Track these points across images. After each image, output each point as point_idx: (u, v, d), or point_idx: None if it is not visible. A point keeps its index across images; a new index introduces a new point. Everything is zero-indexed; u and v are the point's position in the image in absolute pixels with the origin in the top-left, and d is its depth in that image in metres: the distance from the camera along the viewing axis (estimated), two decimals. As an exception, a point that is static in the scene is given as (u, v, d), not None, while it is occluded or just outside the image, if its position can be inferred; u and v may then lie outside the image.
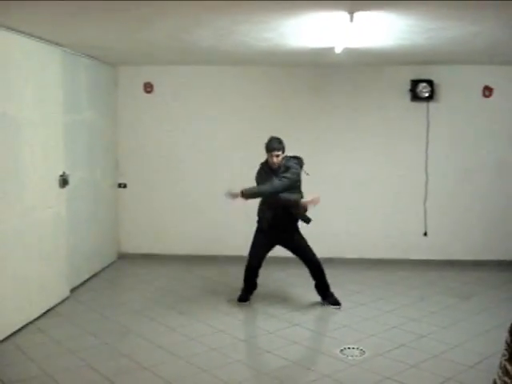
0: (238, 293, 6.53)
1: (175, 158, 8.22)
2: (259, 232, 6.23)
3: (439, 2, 4.14)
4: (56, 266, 6.15)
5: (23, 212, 5.46)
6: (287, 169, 5.92)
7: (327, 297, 6.25)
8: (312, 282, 6.27)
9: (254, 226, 8.10)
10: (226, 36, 5.58)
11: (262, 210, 6.15)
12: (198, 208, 8.25)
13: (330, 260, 7.86)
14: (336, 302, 6.19)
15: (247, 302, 6.27)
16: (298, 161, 6.10)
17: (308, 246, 6.16)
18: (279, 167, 5.95)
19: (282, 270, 7.62)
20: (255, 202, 6.28)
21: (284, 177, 5.87)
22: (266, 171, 6.05)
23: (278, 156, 5.91)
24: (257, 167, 7.87)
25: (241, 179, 8.10)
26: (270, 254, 8.05)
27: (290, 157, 6.07)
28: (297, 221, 6.10)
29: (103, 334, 5.41)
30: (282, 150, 5.96)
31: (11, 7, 4.34)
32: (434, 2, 4.14)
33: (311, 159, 8.00)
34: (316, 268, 6.18)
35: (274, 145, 5.92)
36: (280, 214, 5.97)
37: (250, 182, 8.06)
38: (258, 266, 6.22)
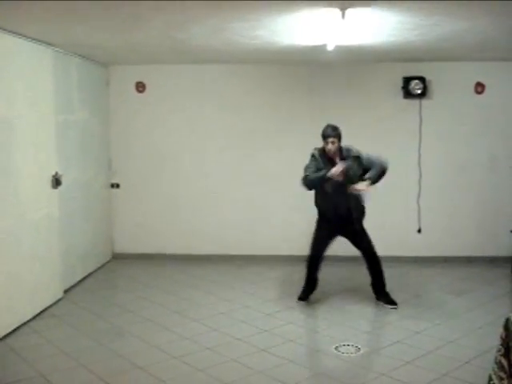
0: (232, 292, 6.54)
1: (168, 157, 8.20)
2: (321, 223, 6.20)
3: (431, -2, 4.15)
4: (50, 266, 6.13)
5: (16, 213, 5.43)
6: (349, 152, 5.95)
7: (382, 296, 6.18)
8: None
9: (248, 225, 8.16)
10: (218, 34, 5.57)
11: (325, 200, 6.06)
12: (191, 207, 8.24)
13: (328, 258, 7.87)
14: (391, 302, 6.11)
15: (305, 302, 6.24)
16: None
17: (370, 240, 6.14)
18: (337, 154, 5.95)
19: (278, 269, 7.62)
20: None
21: (369, 158, 5.97)
22: (323, 160, 5.97)
23: (333, 142, 5.90)
24: (248, 165, 7.91)
25: (233, 177, 8.15)
26: (267, 252, 8.11)
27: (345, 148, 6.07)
28: (362, 213, 6.10)
29: (98, 334, 5.39)
30: (338, 136, 5.94)
31: (0, 7, 4.31)
32: (426, -2, 4.15)
33: (304, 157, 8.02)
34: (375, 264, 6.15)
35: (328, 131, 5.93)
36: (344, 204, 5.94)
37: (244, 181, 8.09)
38: (320, 255, 6.19)
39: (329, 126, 5.98)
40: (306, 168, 6.01)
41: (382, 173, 6.01)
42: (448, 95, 7.92)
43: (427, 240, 8.05)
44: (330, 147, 5.91)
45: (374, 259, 6.17)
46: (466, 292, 6.63)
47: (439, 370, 4.50)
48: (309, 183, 5.94)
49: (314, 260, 6.26)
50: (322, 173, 5.83)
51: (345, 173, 5.78)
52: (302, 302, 6.23)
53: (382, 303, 6.15)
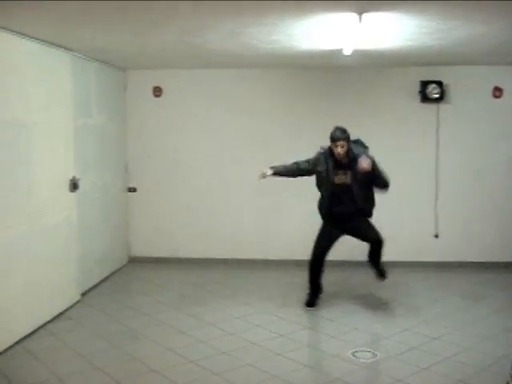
0: (247, 296, 6.54)
1: (184, 161, 8.22)
2: (324, 225, 6.20)
3: (448, 3, 4.12)
4: (66, 270, 6.16)
5: (34, 216, 5.48)
6: (357, 154, 5.87)
7: (376, 268, 6.25)
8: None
9: (263, 229, 8.15)
10: (234, 39, 5.58)
11: (325, 206, 6.09)
12: (206, 211, 8.25)
13: (342, 263, 7.85)
14: (382, 275, 6.24)
15: (314, 308, 6.21)
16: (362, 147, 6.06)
17: (370, 226, 6.09)
18: (347, 158, 5.87)
19: (294, 273, 7.61)
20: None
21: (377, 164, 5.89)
22: (329, 161, 5.94)
23: (342, 146, 5.80)
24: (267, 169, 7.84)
25: (252, 182, 8.14)
26: (282, 256, 8.09)
27: (353, 142, 6.01)
28: (366, 214, 6.09)
29: (113, 337, 5.41)
30: (347, 139, 5.85)
31: (19, 11, 4.36)
32: (444, 3, 4.12)
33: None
34: (376, 245, 6.12)
35: (337, 134, 5.82)
36: (347, 209, 5.95)
37: (259, 185, 8.08)
38: (322, 257, 6.14)
39: (338, 129, 5.89)
40: (296, 162, 6.13)
41: (385, 183, 5.97)
42: (466, 99, 7.87)
43: (444, 245, 7.99)
44: (340, 151, 5.83)
45: (376, 242, 6.11)
46: (483, 298, 6.57)
47: (456, 377, 4.46)
48: (289, 168, 6.13)
49: (316, 264, 6.18)
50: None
51: (372, 163, 5.76)
52: (311, 309, 6.18)
53: (374, 274, 6.28)
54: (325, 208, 6.11)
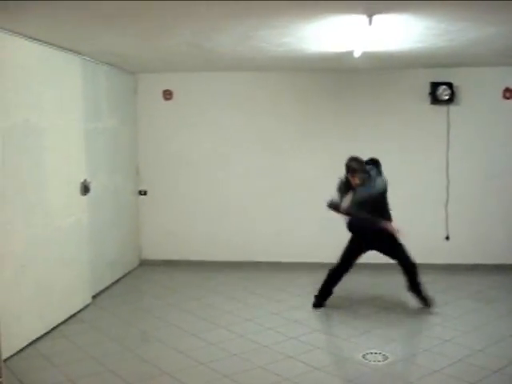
0: (258, 298, 6.54)
1: (195, 164, 8.24)
2: (352, 239, 6.23)
3: (458, 4, 4.11)
4: (78, 272, 6.19)
5: (45, 219, 5.51)
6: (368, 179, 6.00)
7: (418, 296, 6.19)
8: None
9: (274, 232, 8.16)
10: (245, 42, 5.59)
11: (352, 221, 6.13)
12: (219, 214, 8.26)
13: (355, 265, 7.85)
14: (426, 303, 6.15)
15: (322, 308, 6.26)
16: (376, 169, 6.11)
17: (401, 247, 6.16)
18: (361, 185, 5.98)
19: (305, 276, 7.61)
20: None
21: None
22: (347, 186, 6.05)
23: (354, 177, 5.96)
24: (274, 172, 7.97)
25: (263, 185, 8.16)
26: (293, 259, 8.09)
27: (369, 163, 6.09)
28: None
29: (125, 339, 5.43)
30: (361, 171, 5.96)
31: (31, 16, 4.40)
32: (453, 4, 4.11)
33: (331, 164, 8.01)
34: (408, 270, 6.14)
35: (351, 165, 5.97)
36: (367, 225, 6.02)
37: (273, 188, 8.09)
38: (347, 268, 6.21)
39: (351, 159, 6.01)
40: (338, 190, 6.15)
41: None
42: (476, 101, 7.84)
43: (455, 247, 7.95)
44: (354, 181, 5.97)
45: (406, 265, 6.14)
46: (494, 300, 6.54)
47: (468, 379, 4.44)
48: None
49: (339, 272, 6.22)
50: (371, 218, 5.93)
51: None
52: (319, 309, 6.21)
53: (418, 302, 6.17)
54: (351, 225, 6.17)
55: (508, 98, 7.79)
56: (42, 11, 4.23)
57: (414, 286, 6.19)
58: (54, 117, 5.69)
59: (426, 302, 6.16)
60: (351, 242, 6.21)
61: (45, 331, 5.47)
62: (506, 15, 4.54)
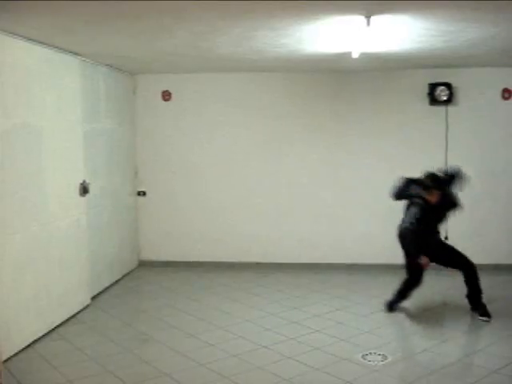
0: (257, 299, 6.56)
1: (194, 165, 8.24)
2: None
3: (457, 4, 4.12)
4: (77, 273, 6.19)
5: (44, 220, 5.51)
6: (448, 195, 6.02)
7: (476, 307, 6.01)
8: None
9: (273, 233, 8.16)
10: (243, 43, 5.60)
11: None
12: (217, 215, 8.26)
13: (354, 266, 7.87)
14: (485, 314, 5.89)
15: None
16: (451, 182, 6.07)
17: (455, 253, 6.11)
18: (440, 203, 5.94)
19: (303, 277, 7.61)
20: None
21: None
22: (426, 208, 5.93)
23: (429, 194, 5.89)
24: (273, 173, 7.95)
25: (259, 185, 8.16)
26: (292, 260, 8.09)
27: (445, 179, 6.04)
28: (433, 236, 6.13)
29: (124, 340, 5.43)
30: (437, 187, 5.92)
31: (29, 17, 4.40)
32: (452, 4, 4.12)
33: (329, 165, 8.03)
34: (468, 274, 6.04)
35: (425, 182, 5.92)
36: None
37: (272, 189, 8.09)
38: (419, 280, 6.14)
39: (427, 175, 5.96)
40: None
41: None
42: (475, 101, 7.85)
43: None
44: (430, 198, 5.90)
45: (465, 269, 6.04)
46: (494, 300, 6.53)
47: (467, 379, 4.45)
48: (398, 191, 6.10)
49: (410, 285, 6.17)
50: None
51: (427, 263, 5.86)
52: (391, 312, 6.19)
53: (476, 314, 5.97)
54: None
55: (506, 99, 7.81)
56: (41, 12, 4.24)
57: (475, 296, 6.04)
58: (53, 118, 5.70)
59: (487, 314, 5.91)
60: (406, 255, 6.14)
61: (44, 332, 5.46)
62: (505, 16, 4.55)
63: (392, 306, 6.20)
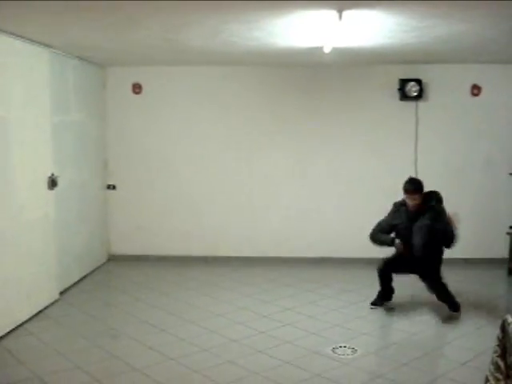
0: (228, 293, 6.56)
1: (164, 158, 8.19)
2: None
3: (428, 1, 4.15)
4: (45, 267, 6.11)
5: (12, 213, 5.42)
6: (432, 211, 5.87)
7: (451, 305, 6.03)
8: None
9: (244, 227, 8.16)
10: (215, 35, 5.57)
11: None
12: (188, 209, 8.23)
13: (325, 259, 7.91)
14: (453, 305, 5.98)
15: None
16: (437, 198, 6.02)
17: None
18: (420, 209, 5.90)
19: (275, 271, 7.63)
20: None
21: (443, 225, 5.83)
22: (404, 212, 5.97)
23: (414, 199, 5.87)
24: (244, 167, 7.94)
25: (230, 179, 8.15)
26: (264, 254, 8.10)
27: (426, 194, 5.98)
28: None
29: (94, 335, 5.37)
30: (420, 192, 5.90)
31: (-2, 7, 4.31)
32: (423, 1, 4.14)
33: (300, 159, 8.04)
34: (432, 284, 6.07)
35: (410, 186, 5.88)
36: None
37: (243, 183, 8.09)
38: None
39: (411, 180, 5.99)
40: (379, 222, 6.03)
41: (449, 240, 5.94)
42: (444, 97, 7.94)
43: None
44: (410, 203, 5.91)
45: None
46: (462, 293, 6.62)
47: (436, 372, 4.51)
48: (372, 241, 6.03)
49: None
50: (386, 240, 5.91)
51: (408, 249, 5.84)
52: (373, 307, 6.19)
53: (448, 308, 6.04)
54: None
55: (476, 95, 7.91)
56: (10, 4, 4.15)
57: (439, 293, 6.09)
58: (20, 110, 5.60)
59: (454, 306, 5.99)
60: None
61: (11, 328, 5.38)
62: (476, 13, 4.60)
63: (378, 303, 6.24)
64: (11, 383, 4.34)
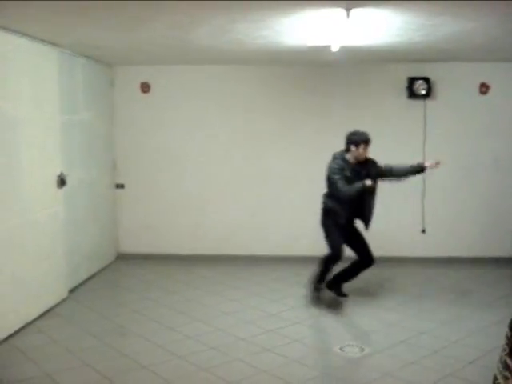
0: (236, 292, 6.57)
1: (173, 157, 8.21)
2: (335, 225, 6.10)
3: (435, 0, 4.15)
4: (54, 266, 6.14)
5: (21, 213, 5.45)
6: (372, 162, 6.08)
7: (336, 288, 6.33)
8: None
9: (252, 225, 8.16)
10: (222, 34, 5.57)
11: (340, 206, 6.02)
12: (196, 207, 8.25)
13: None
14: (343, 294, 6.32)
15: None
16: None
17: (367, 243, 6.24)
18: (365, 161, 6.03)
19: (283, 269, 7.63)
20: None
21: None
22: (352, 167, 5.97)
23: (367, 151, 6.00)
24: (252, 165, 7.93)
25: (238, 178, 8.15)
26: (272, 252, 8.11)
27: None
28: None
29: (102, 333, 5.40)
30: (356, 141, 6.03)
31: (7, 7, 4.33)
32: (430, 0, 4.15)
33: (308, 157, 8.04)
34: (365, 264, 6.19)
35: (368, 136, 5.98)
36: (357, 210, 6.07)
37: (252, 182, 8.09)
38: (341, 257, 6.14)
39: (363, 132, 6.02)
40: (337, 178, 5.88)
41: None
42: (452, 96, 7.92)
43: (431, 240, 8.04)
44: (363, 152, 5.98)
45: (369, 259, 6.20)
46: (470, 292, 6.63)
47: (444, 370, 4.50)
48: (346, 196, 5.89)
49: (335, 261, 6.16)
50: (358, 187, 5.80)
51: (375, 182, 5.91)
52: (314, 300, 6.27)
53: (334, 293, 6.33)
54: (346, 212, 6.04)
55: (484, 93, 7.89)
56: (18, 2, 4.17)
57: (348, 278, 6.33)
58: (29, 109, 5.63)
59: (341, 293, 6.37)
60: (335, 228, 6.13)
61: (20, 326, 5.41)
62: (484, 11, 4.58)
63: (317, 287, 6.30)
64: (21, 381, 4.36)
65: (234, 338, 5.25)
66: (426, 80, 7.74)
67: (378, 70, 7.95)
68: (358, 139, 5.96)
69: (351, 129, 7.25)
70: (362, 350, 4.95)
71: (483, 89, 7.86)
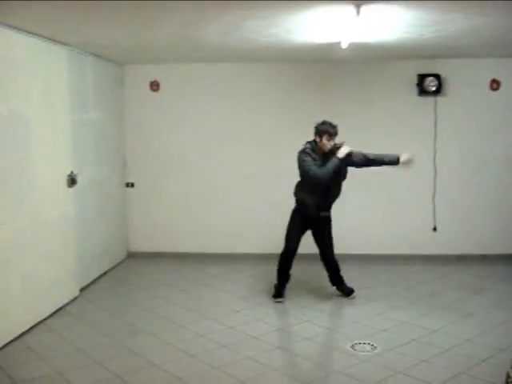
0: (246, 290, 6.54)
1: (183, 155, 8.21)
2: (297, 215, 6.19)
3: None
4: (65, 265, 6.16)
5: (32, 212, 5.47)
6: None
7: (342, 287, 6.38)
8: (323, 278, 6.26)
9: (262, 224, 8.14)
10: (232, 32, 5.57)
11: (308, 195, 6.08)
12: (205, 206, 8.24)
13: (341, 256, 7.85)
14: (351, 291, 6.34)
15: (282, 299, 6.25)
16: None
17: (332, 242, 6.29)
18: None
19: (294, 267, 7.61)
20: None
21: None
22: (317, 155, 5.98)
23: (334, 140, 6.01)
24: (263, 164, 7.90)
25: (250, 176, 8.14)
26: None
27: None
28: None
29: (113, 332, 5.41)
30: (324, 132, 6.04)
31: (16, 6, 4.34)
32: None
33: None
34: (334, 265, 6.32)
35: (335, 130, 5.99)
36: (326, 201, 6.10)
37: (262, 180, 8.08)
38: (296, 249, 6.19)
39: (332, 124, 6.02)
40: (309, 165, 5.89)
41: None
42: (463, 92, 7.87)
43: (443, 238, 7.99)
44: (326, 143, 5.96)
45: (332, 260, 6.33)
46: (482, 290, 6.59)
47: (456, 368, 4.47)
48: (324, 177, 5.85)
49: (290, 254, 6.22)
50: (333, 162, 5.83)
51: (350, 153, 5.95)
52: (280, 299, 6.23)
53: (343, 294, 6.35)
54: (315, 201, 6.06)
55: (495, 89, 7.83)
56: (27, 1, 4.18)
57: (340, 278, 6.41)
58: (40, 108, 5.64)
59: (352, 291, 6.38)
60: (295, 219, 6.26)
61: (32, 324, 5.43)
62: (494, 6, 4.54)
63: (280, 292, 6.29)
64: (32, 379, 4.38)
65: (244, 336, 5.25)
66: (437, 77, 7.69)
67: (387, 67, 7.91)
68: (321, 130, 6.00)
69: (362, 125, 7.29)
70: (374, 348, 4.93)
71: (494, 85, 7.81)
